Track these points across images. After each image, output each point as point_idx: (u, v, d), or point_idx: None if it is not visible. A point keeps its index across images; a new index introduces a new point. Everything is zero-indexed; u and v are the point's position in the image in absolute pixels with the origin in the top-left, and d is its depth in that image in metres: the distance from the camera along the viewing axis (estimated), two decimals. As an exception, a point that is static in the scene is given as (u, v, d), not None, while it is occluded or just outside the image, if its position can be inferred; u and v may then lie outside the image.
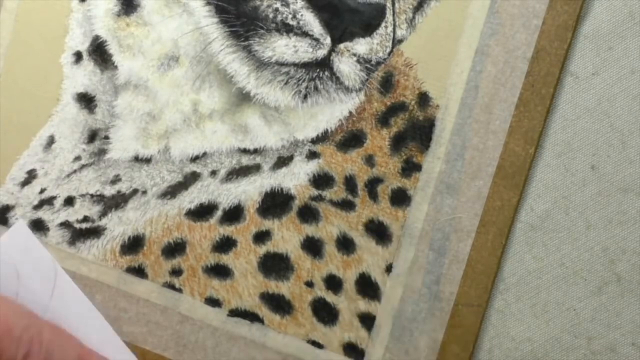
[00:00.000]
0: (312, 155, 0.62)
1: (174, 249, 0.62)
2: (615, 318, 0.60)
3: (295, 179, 0.62)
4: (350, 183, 0.61)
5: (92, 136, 0.62)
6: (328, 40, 0.60)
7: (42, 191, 0.62)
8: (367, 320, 0.61)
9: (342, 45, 0.60)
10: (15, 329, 0.57)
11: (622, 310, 0.60)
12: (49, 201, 0.62)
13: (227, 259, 0.62)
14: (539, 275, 0.61)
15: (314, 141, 0.62)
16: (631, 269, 0.60)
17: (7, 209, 0.63)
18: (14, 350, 0.56)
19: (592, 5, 0.61)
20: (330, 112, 0.61)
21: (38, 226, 0.62)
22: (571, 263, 0.61)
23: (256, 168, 0.62)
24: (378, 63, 0.61)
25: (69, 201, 0.62)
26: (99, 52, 0.62)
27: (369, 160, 0.61)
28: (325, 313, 0.61)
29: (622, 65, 0.61)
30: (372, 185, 0.61)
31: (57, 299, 0.61)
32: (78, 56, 0.62)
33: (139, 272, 0.62)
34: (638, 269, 0.60)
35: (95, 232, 0.62)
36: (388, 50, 0.61)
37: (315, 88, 0.61)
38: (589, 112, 0.61)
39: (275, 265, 0.61)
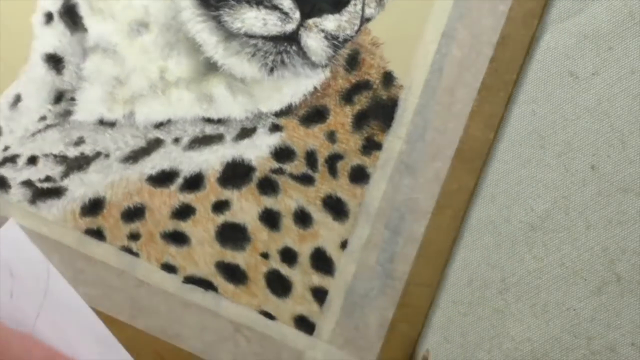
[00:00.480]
0: (275, 128, 0.62)
1: (134, 214, 0.62)
2: (615, 318, 0.60)
3: (257, 150, 0.62)
4: (311, 158, 0.62)
5: (59, 97, 0.63)
6: (297, 15, 0.60)
7: (6, 149, 0.63)
8: (320, 295, 0.61)
9: (310, 21, 0.60)
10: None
11: (622, 310, 0.60)
12: (12, 159, 0.63)
13: (185, 226, 0.62)
14: (539, 275, 0.61)
15: (278, 114, 0.62)
16: (631, 269, 0.60)
17: (-28, 164, 0.63)
18: None
19: (592, 5, 0.61)
20: (296, 86, 0.62)
21: (0, 183, 0.63)
22: (571, 263, 0.61)
23: (219, 138, 0.62)
24: (345, 40, 0.62)
25: (32, 160, 0.63)
26: (70, 14, 0.62)
27: (331, 137, 0.62)
28: (278, 285, 0.62)
29: (622, 65, 0.61)
30: (333, 161, 0.62)
31: (50, 297, 0.61)
32: (49, 17, 0.63)
33: (97, 234, 0.62)
34: (638, 269, 0.60)
35: (56, 192, 0.63)
36: (356, 28, 0.61)
37: (282, 62, 0.61)
38: (589, 112, 0.61)
39: (232, 235, 0.62)
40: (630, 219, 0.61)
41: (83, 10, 0.62)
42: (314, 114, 0.62)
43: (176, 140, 0.62)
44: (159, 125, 0.62)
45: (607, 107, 0.61)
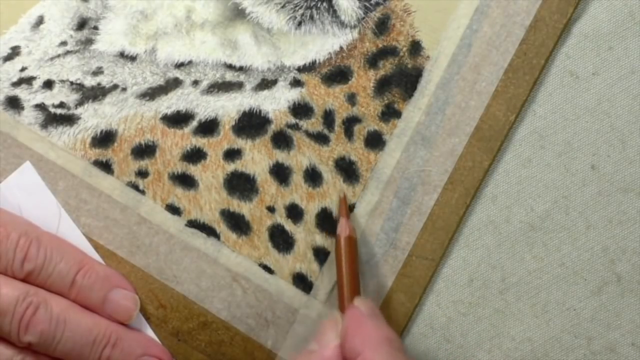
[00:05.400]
0: (296, 83, 0.62)
1: (144, 151, 0.62)
2: (615, 318, 0.61)
3: (275, 103, 0.62)
4: (328, 117, 0.61)
5: (82, 24, 0.62)
6: (332, -28, 0.59)
7: (23, 69, 0.62)
8: (321, 255, 0.61)
9: (345, -21, 0.60)
10: (13, 234, 0.57)
11: (622, 310, 0.61)
12: (28, 80, 0.62)
13: (194, 169, 0.62)
14: (539, 275, 0.61)
15: (300, 69, 0.62)
16: (631, 269, 0.60)
17: (-14, 81, 0.63)
18: (11, 254, 0.57)
19: (592, 5, 0.60)
20: (322, 43, 0.61)
21: (13, 104, 0.62)
22: (571, 263, 0.61)
23: (238, 86, 0.62)
24: (377, 3, 0.61)
25: (48, 84, 0.62)
26: (103, -59, 0.61)
27: (351, 99, 0.61)
28: (281, 240, 0.62)
29: (622, 65, 0.61)
30: (350, 123, 0.61)
31: None
32: (81, -59, 0.62)
33: (105, 166, 0.62)
34: (638, 269, 0.60)
35: (69, 120, 0.62)
36: (390, -8, 0.61)
37: (311, 17, 0.61)
38: (589, 112, 0.61)
39: (240, 184, 0.62)
40: (631, 219, 0.61)
41: (117, -61, 0.61)
42: (336, 74, 0.61)
43: (195, 83, 0.62)
44: (180, 65, 0.62)
45: (607, 107, 0.61)
